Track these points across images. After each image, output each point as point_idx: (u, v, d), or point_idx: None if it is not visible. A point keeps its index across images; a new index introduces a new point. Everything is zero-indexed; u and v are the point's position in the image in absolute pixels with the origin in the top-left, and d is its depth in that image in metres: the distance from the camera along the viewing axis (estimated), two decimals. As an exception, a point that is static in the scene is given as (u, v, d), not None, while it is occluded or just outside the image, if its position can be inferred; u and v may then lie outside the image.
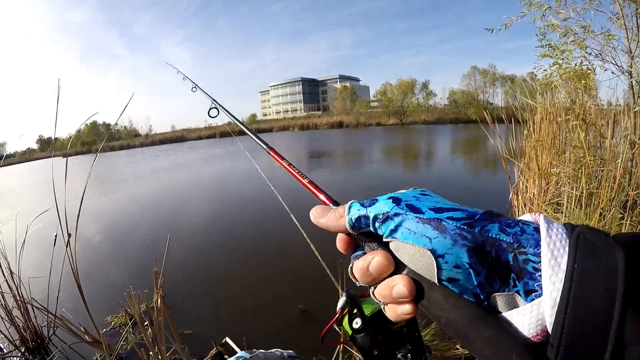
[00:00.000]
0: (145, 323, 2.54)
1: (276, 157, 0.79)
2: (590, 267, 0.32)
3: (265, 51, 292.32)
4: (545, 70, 4.09)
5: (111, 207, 10.85)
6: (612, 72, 3.60)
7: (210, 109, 1.27)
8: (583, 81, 3.76)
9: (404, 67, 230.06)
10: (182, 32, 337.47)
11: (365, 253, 0.46)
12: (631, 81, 3.48)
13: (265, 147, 0.87)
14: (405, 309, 0.41)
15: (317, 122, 58.07)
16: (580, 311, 0.31)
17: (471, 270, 0.37)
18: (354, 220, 0.45)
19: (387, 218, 0.42)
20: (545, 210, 4.35)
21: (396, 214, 0.41)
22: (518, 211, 5.03)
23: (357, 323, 0.54)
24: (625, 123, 3.62)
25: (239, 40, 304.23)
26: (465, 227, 0.38)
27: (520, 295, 0.36)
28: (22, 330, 3.59)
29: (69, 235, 3.09)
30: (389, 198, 0.43)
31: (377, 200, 0.45)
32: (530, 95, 4.84)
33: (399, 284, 0.40)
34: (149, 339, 2.37)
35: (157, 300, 2.42)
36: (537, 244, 0.35)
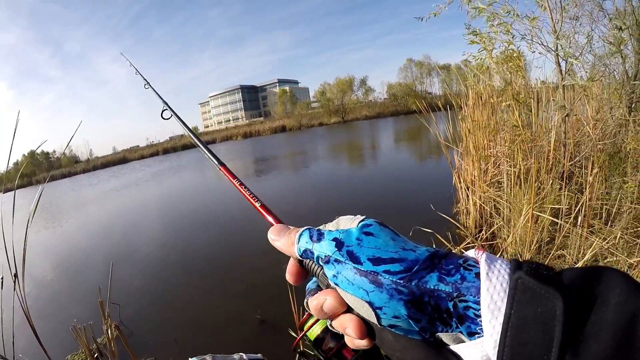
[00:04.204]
0: (96, 355, 2.42)
1: (228, 175, 0.74)
2: (528, 314, 0.32)
3: (204, 59, 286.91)
4: (475, 57, 4.22)
5: (60, 239, 10.41)
6: (540, 53, 3.76)
7: (163, 110, 1.22)
8: (510, 63, 3.91)
9: (343, 64, 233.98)
10: (117, 47, 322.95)
11: (318, 286, 0.49)
12: (557, 59, 3.65)
13: (216, 162, 0.80)
14: (361, 343, 0.43)
15: (260, 128, 57.79)
16: (517, 356, 0.31)
17: (410, 320, 0.37)
18: (302, 251, 0.47)
19: (328, 261, 0.43)
20: (487, 190, 4.49)
21: (337, 260, 0.42)
22: (461, 194, 5.18)
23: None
24: (556, 98, 3.81)
25: (177, 50, 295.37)
26: (402, 282, 0.37)
27: (463, 334, 0.36)
28: (-19, 383, 3.34)
29: (15, 275, 2.89)
30: (333, 240, 0.44)
31: (323, 236, 0.45)
32: (463, 80, 4.99)
33: (349, 328, 0.42)
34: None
35: (107, 330, 2.30)
36: (478, 292, 0.35)
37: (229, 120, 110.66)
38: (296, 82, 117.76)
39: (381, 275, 0.38)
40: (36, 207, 2.95)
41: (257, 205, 0.62)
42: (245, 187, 0.68)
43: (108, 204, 15.44)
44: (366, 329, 0.41)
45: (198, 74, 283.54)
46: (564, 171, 3.66)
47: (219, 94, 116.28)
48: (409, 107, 41.61)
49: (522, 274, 0.33)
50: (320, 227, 0.48)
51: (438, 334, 0.37)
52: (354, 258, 0.40)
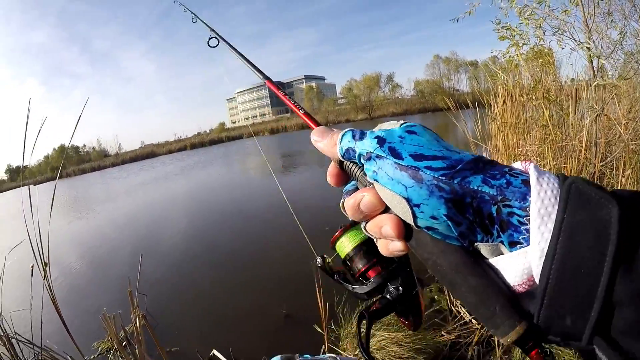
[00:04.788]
0: (124, 344, 2.49)
1: (274, 88, 0.77)
2: (582, 219, 0.30)
3: (229, 57, 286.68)
4: (504, 54, 4.16)
5: (90, 230, 10.69)
6: (571, 48, 3.68)
7: (210, 38, 1.24)
8: (540, 60, 3.84)
9: (368, 61, 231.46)
10: (145, 44, 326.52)
11: (357, 187, 0.47)
12: (590, 55, 3.57)
13: (261, 77, 0.84)
14: (396, 246, 0.42)
15: (287, 124, 57.83)
16: (567, 264, 0.30)
17: (450, 222, 0.36)
18: (344, 150, 0.46)
19: (370, 158, 0.42)
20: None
21: (378, 156, 0.41)
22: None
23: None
24: (587, 96, 3.72)
25: (202, 47, 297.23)
26: (444, 179, 0.36)
27: (504, 245, 0.35)
28: (9, 367, 3.47)
29: (45, 264, 3.00)
30: (375, 137, 0.42)
31: (365, 134, 0.44)
32: (492, 78, 4.92)
33: (386, 225, 0.41)
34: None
35: (135, 319, 2.38)
36: (524, 198, 0.34)
37: (255, 116, 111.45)
38: (323, 79, 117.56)
39: (422, 171, 0.37)
40: (53, 200, 3.05)
41: (301, 112, 0.63)
42: (290, 99, 0.69)
43: (137, 197, 15.75)
44: (404, 228, 0.40)
45: (224, 71, 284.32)
46: (594, 172, 3.58)
47: (246, 90, 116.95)
48: (437, 104, 41.05)
49: (576, 179, 0.33)
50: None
51: (477, 243, 0.37)
52: (395, 153, 0.40)
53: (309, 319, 3.43)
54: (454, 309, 3.23)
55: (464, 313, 3.13)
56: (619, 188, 2.62)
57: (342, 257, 0.62)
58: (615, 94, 3.56)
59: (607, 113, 3.77)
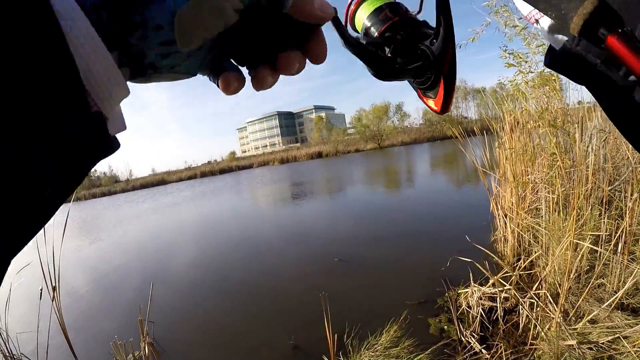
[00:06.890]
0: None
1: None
2: None
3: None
4: (510, 81, 4.18)
5: (98, 254, 10.61)
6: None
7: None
8: (547, 87, 3.86)
9: (377, 91, 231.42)
10: None
11: None
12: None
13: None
14: None
15: (297, 154, 57.84)
16: None
17: None
18: None
19: None
20: (525, 218, 4.39)
21: None
22: (499, 221, 5.06)
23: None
24: (594, 120, 3.73)
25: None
26: None
27: None
28: (13, 389, 3.44)
29: (54, 288, 3.01)
30: None
31: None
32: (499, 105, 4.95)
33: None
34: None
35: (145, 348, 2.38)
36: None
37: (266, 146, 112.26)
38: (332, 109, 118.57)
39: None
40: (66, 223, 3.07)
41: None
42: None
43: (148, 222, 15.71)
44: None
45: (235, 100, 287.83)
46: (603, 196, 3.56)
47: (256, 120, 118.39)
48: (445, 132, 41.10)
49: None
50: None
51: None
52: None
53: (317, 350, 3.36)
54: (463, 339, 3.18)
55: (474, 343, 3.07)
56: (627, 213, 2.61)
57: (359, 29, 0.56)
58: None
59: (615, 136, 3.77)
